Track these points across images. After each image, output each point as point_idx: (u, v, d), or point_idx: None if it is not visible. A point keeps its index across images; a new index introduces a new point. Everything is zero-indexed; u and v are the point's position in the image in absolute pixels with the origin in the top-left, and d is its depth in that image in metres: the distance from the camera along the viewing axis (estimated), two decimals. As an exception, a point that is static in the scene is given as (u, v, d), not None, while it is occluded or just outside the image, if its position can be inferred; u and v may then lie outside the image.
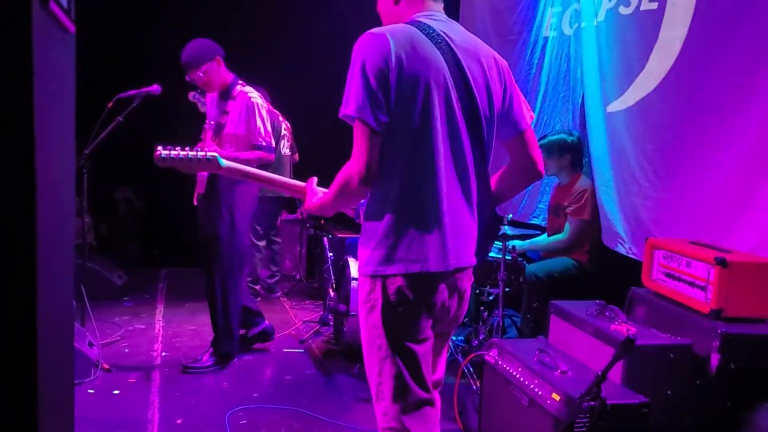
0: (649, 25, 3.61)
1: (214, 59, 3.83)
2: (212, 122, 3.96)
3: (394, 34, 1.79)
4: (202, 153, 2.27)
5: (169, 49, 3.94)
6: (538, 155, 2.06)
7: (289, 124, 5.55)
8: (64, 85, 1.25)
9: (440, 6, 1.99)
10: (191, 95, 4.05)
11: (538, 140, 4.28)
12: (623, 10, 3.83)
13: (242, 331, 4.25)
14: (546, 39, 4.89)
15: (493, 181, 2.04)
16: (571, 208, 4.17)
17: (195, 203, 4.04)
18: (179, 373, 3.91)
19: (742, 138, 3.04)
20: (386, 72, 1.75)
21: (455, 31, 1.91)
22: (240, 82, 3.98)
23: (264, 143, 3.87)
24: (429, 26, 1.86)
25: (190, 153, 2.29)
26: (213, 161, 2.26)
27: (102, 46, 5.73)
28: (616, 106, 3.89)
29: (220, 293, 3.94)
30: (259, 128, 3.85)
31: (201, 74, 3.81)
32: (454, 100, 1.84)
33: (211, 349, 4.01)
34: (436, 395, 2.05)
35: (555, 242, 4.26)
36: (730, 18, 3.11)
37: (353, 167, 1.82)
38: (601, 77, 4.04)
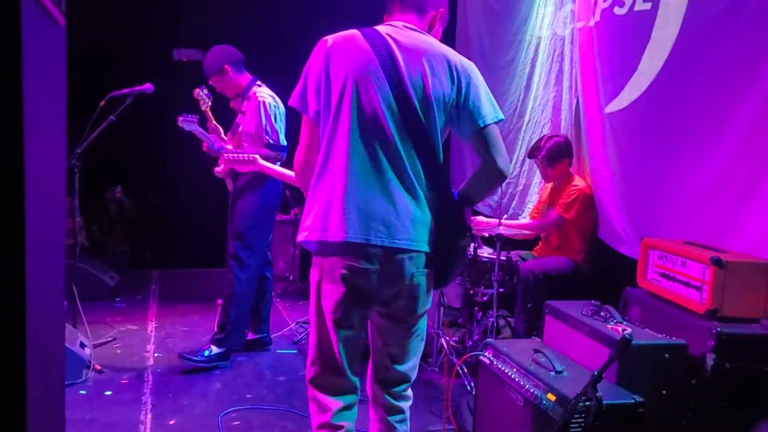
0: (642, 25, 3.61)
1: (220, 70, 4.02)
2: (233, 123, 4.18)
3: (336, 38, 2.06)
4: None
5: (163, 47, 3.92)
6: (499, 154, 2.07)
7: None
8: (55, 80, 1.23)
9: (408, 18, 2.14)
10: (196, 92, 4.09)
11: (533, 147, 4.32)
12: (618, 10, 3.84)
13: None
14: (539, 39, 4.89)
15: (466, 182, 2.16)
16: (559, 203, 4.18)
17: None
18: (172, 372, 3.89)
19: (734, 138, 3.04)
20: (319, 69, 2.03)
21: (405, 36, 2.06)
22: (257, 82, 4.14)
23: (271, 141, 3.98)
24: (374, 30, 2.06)
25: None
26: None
27: (95, 43, 5.70)
28: (613, 106, 3.89)
29: (237, 289, 4.01)
30: (265, 126, 3.97)
31: (212, 83, 4.07)
32: (379, 94, 1.98)
33: (210, 346, 4.00)
34: (370, 388, 2.22)
35: (527, 224, 4.34)
36: (720, 18, 3.11)
37: (297, 151, 2.17)
38: (599, 78, 4.04)
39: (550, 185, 4.40)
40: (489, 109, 2.07)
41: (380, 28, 2.09)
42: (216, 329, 4.06)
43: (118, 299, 5.46)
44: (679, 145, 3.38)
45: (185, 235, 6.49)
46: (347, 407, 2.14)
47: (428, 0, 2.17)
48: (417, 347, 2.21)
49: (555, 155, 4.19)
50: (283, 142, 4.03)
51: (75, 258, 4.09)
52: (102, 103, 3.80)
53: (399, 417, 2.21)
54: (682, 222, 3.33)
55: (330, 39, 2.06)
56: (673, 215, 3.43)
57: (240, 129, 4.08)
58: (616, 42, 3.86)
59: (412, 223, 2.00)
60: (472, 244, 4.13)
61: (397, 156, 2.00)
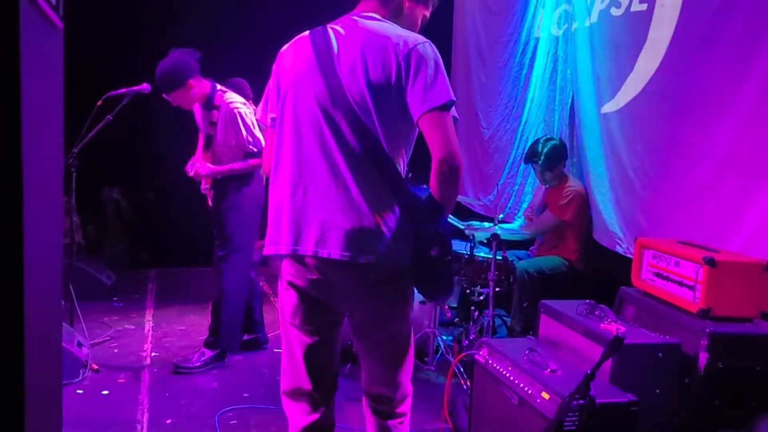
0: (638, 26, 3.63)
1: (184, 85, 3.75)
2: (201, 133, 3.98)
3: (287, 45, 2.07)
4: None
5: (160, 47, 3.92)
6: (439, 144, 1.84)
7: None
8: (53, 81, 1.24)
9: (369, 5, 2.02)
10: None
11: (530, 152, 4.32)
12: (615, 11, 3.85)
13: None
14: (537, 39, 4.90)
15: None
16: (555, 205, 4.19)
17: (210, 203, 4.10)
18: (169, 373, 3.90)
19: (726, 137, 3.06)
20: (273, 79, 2.06)
21: (352, 27, 1.95)
22: (219, 88, 3.94)
23: (255, 149, 3.88)
24: (322, 28, 2.00)
25: None
26: None
27: (92, 43, 5.70)
28: (609, 107, 3.91)
29: (229, 292, 3.99)
30: (247, 137, 3.86)
31: (172, 100, 3.80)
32: (316, 96, 1.91)
33: (203, 349, 4.00)
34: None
35: (523, 226, 4.34)
36: (713, 18, 3.13)
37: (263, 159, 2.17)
38: (595, 78, 4.06)
39: (546, 186, 4.42)
40: (431, 93, 1.85)
41: (333, 23, 2.00)
42: (208, 333, 4.05)
43: (114, 298, 5.47)
44: (674, 145, 3.39)
45: (182, 235, 6.48)
46: (315, 426, 2.08)
47: None
48: (391, 365, 2.10)
49: (553, 159, 4.21)
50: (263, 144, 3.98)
51: (72, 257, 4.09)
52: (99, 103, 3.81)
53: None
54: (677, 221, 3.35)
55: (286, 46, 2.08)
56: (668, 215, 3.44)
57: (216, 141, 3.89)
58: (612, 42, 3.88)
59: (352, 232, 1.87)
60: (469, 244, 4.15)
61: (339, 160, 1.88)
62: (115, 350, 4.27)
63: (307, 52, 1.97)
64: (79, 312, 4.08)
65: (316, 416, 2.07)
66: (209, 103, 3.87)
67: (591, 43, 4.11)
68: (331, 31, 1.97)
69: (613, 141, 3.88)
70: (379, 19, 1.98)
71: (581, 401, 2.11)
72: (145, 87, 3.91)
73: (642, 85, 3.60)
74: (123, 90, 3.88)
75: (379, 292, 1.97)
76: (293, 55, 2.02)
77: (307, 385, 2.06)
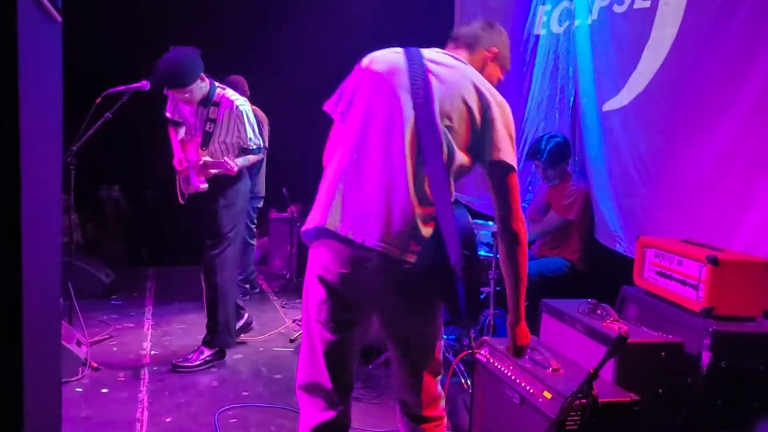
0: (641, 23, 3.61)
1: (194, 82, 3.74)
2: (195, 131, 3.92)
3: (376, 55, 2.10)
4: None
5: (160, 44, 3.90)
6: (504, 201, 2.02)
7: (264, 115, 5.50)
8: (51, 75, 1.23)
9: (459, 54, 2.16)
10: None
11: (531, 145, 4.32)
12: (617, 8, 3.83)
13: None
14: (537, 37, 4.88)
15: None
16: (559, 204, 4.17)
17: (182, 202, 4.06)
18: (168, 371, 3.88)
19: (730, 136, 3.05)
20: (354, 79, 2.09)
21: (446, 64, 2.06)
22: (218, 84, 3.94)
23: (255, 146, 3.93)
24: (417, 52, 2.07)
25: None
26: None
27: (92, 40, 5.68)
28: (611, 105, 3.89)
29: (224, 289, 3.98)
30: (249, 136, 3.90)
31: (186, 95, 3.77)
32: (401, 114, 1.97)
33: (202, 348, 3.99)
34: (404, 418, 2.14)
35: (531, 229, 4.28)
36: (718, 16, 3.11)
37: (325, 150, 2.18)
38: (596, 76, 4.04)
39: (549, 184, 4.40)
40: (502, 146, 2.00)
41: (426, 52, 2.08)
42: (206, 332, 4.03)
43: (114, 297, 5.45)
44: (677, 143, 3.38)
45: (181, 233, 6.47)
46: (331, 424, 2.07)
47: (478, 38, 2.22)
48: (419, 367, 2.10)
49: (556, 156, 4.19)
50: (261, 142, 4.02)
51: (70, 255, 4.07)
52: (98, 100, 3.78)
53: None
54: (678, 220, 3.34)
55: (367, 58, 2.11)
56: (669, 214, 3.43)
57: (217, 139, 3.88)
58: (614, 40, 3.86)
59: (392, 228, 1.92)
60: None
61: (400, 168, 1.95)
62: (115, 348, 4.26)
63: (400, 69, 2.02)
64: (78, 310, 4.07)
65: (332, 414, 2.07)
66: (207, 99, 3.85)
67: (592, 41, 4.09)
68: (426, 59, 2.05)
69: (614, 139, 3.86)
70: (468, 66, 2.10)
71: (584, 400, 2.10)
72: (144, 84, 3.88)
73: (645, 83, 3.58)
74: (122, 87, 3.86)
75: (409, 291, 1.98)
76: (386, 66, 2.04)
77: (326, 382, 2.05)
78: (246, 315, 4.49)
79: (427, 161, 1.94)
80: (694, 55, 3.25)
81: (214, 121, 3.86)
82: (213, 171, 3.86)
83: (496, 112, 2.00)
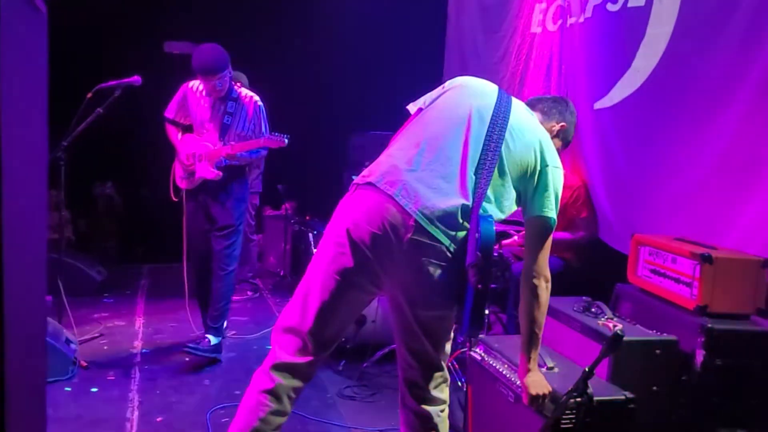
0: (636, 21, 3.60)
1: (229, 66, 3.94)
2: (211, 124, 4.03)
3: (471, 79, 2.31)
4: None
5: (153, 39, 3.87)
6: (536, 251, 2.14)
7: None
8: (35, 67, 1.20)
9: (533, 112, 2.35)
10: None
11: None
12: (611, 6, 3.82)
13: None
14: (534, 35, 4.87)
15: None
16: (574, 209, 4.11)
17: (174, 199, 4.14)
18: (160, 369, 3.86)
19: (726, 135, 3.04)
20: (446, 89, 2.27)
21: (524, 110, 2.25)
22: (233, 81, 4.11)
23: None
24: (507, 93, 2.26)
25: None
26: None
27: (83, 34, 5.64)
28: (602, 103, 3.89)
29: (233, 280, 4.14)
30: (265, 131, 4.08)
31: (219, 81, 3.91)
32: (481, 118, 2.12)
33: (208, 337, 4.03)
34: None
35: (561, 238, 4.18)
36: (715, 15, 3.10)
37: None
38: (588, 74, 4.03)
39: None
40: (550, 205, 2.13)
41: (515, 99, 2.25)
42: (210, 321, 4.08)
43: (105, 294, 5.41)
44: (672, 142, 3.37)
45: (174, 231, 6.43)
46: (296, 366, 2.10)
47: (553, 109, 2.44)
48: (434, 346, 2.15)
49: None
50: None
51: (61, 252, 4.04)
52: (89, 95, 3.75)
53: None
54: (672, 218, 3.33)
55: (465, 79, 2.30)
56: (661, 211, 3.42)
57: (234, 131, 4.02)
58: (608, 38, 3.85)
59: (435, 207, 1.98)
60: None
61: (464, 169, 2.05)
62: (105, 347, 4.22)
63: (490, 94, 2.19)
64: (68, 308, 4.03)
65: (301, 359, 2.09)
66: (227, 95, 4.01)
67: (585, 39, 4.08)
68: (512, 99, 2.23)
69: (605, 137, 3.86)
70: (541, 126, 2.29)
71: (579, 399, 2.08)
72: (136, 79, 3.86)
73: (640, 82, 3.57)
74: (114, 82, 3.82)
75: (433, 271, 1.99)
76: (476, 87, 2.24)
77: (306, 328, 2.07)
78: None
79: (480, 169, 2.05)
80: (691, 53, 3.24)
81: (231, 114, 4.02)
82: (231, 162, 3.99)
83: (553, 173, 2.15)
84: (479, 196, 2.02)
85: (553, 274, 3.94)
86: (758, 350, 2.59)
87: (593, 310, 2.78)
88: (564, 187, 4.03)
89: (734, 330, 2.58)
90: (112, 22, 5.99)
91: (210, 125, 4.03)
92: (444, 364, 2.18)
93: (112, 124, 4.08)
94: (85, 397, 3.44)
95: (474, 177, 2.04)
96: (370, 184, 2.05)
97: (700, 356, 2.55)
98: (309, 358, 2.09)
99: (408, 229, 1.96)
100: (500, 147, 2.08)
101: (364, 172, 2.13)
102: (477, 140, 2.08)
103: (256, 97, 4.09)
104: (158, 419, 3.23)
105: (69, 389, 3.51)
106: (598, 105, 3.92)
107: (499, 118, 2.12)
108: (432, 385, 2.16)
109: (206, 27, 6.04)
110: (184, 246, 4.18)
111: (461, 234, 1.99)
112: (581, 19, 4.12)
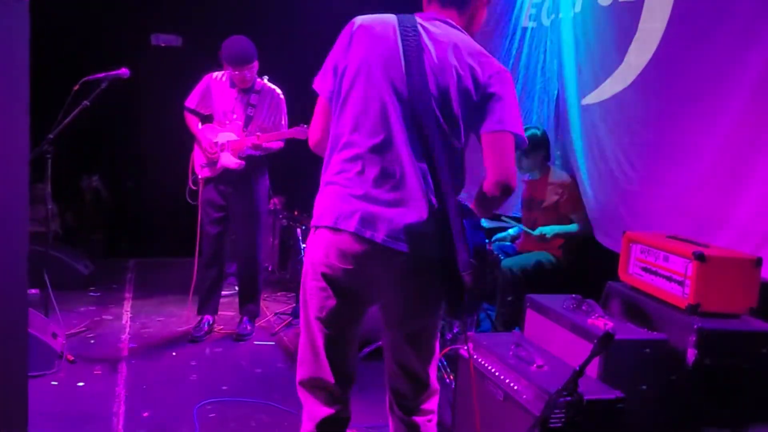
0: (627, 17, 3.58)
1: (257, 58, 4.11)
2: (234, 115, 4.20)
3: (365, 20, 2.00)
4: None
5: (140, 31, 3.83)
6: (500, 165, 1.94)
7: None
8: (14, 57, 1.16)
9: (448, 14, 2.05)
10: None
11: None
12: (602, 1, 3.80)
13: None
14: (525, 30, 4.85)
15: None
16: (567, 207, 4.10)
17: (193, 187, 4.29)
18: (147, 363, 3.83)
19: (720, 133, 3.02)
20: (340, 51, 2.00)
21: (439, 28, 1.99)
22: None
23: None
24: (410, 18, 1.99)
25: None
26: None
27: (70, 25, 5.57)
28: (591, 98, 3.87)
29: (262, 266, 4.48)
30: (284, 124, 4.29)
31: (249, 71, 4.09)
32: (393, 83, 1.91)
33: (246, 319, 4.42)
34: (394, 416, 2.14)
35: (572, 230, 4.16)
36: (710, 11, 3.08)
37: (310, 130, 2.13)
38: (578, 69, 4.01)
39: (526, 179, 4.36)
40: (508, 117, 1.95)
41: (422, 19, 2.00)
42: (249, 304, 4.44)
43: (92, 288, 5.36)
44: (664, 139, 3.36)
45: (162, 224, 6.38)
46: (334, 418, 2.06)
47: None
48: (419, 358, 2.10)
49: (530, 146, 4.15)
50: None
51: (48, 246, 3.99)
52: (76, 87, 3.69)
53: None
54: (664, 215, 3.32)
55: (358, 21, 2.01)
56: (652, 209, 3.41)
57: (256, 123, 4.23)
58: (598, 33, 3.83)
59: (398, 221, 1.88)
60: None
61: (404, 152, 1.91)
62: (92, 341, 4.18)
63: (394, 39, 1.94)
64: (54, 302, 3.98)
65: (335, 408, 2.06)
66: (251, 87, 4.20)
67: (575, 33, 4.06)
68: (420, 27, 1.96)
69: (595, 133, 3.84)
70: (462, 30, 2.03)
71: (568, 398, 2.06)
72: (123, 72, 3.81)
73: (632, 78, 3.55)
74: (101, 74, 3.78)
75: (412, 282, 1.95)
76: (373, 37, 1.96)
77: (329, 378, 2.03)
78: None
79: (428, 154, 1.90)
80: (685, 50, 3.22)
81: (255, 106, 4.21)
82: (253, 152, 4.20)
83: (503, 80, 1.96)
84: (443, 186, 1.90)
85: (545, 272, 4.01)
86: (749, 350, 2.58)
87: (584, 308, 2.77)
88: (556, 183, 4.11)
89: (726, 330, 2.56)
90: (100, 14, 5.92)
91: (233, 116, 4.20)
92: (432, 380, 2.13)
93: (99, 116, 4.03)
94: (71, 391, 3.41)
95: (426, 168, 1.91)
96: (327, 227, 1.94)
97: (690, 355, 2.54)
98: (342, 402, 2.07)
99: (381, 255, 1.89)
100: (433, 110, 1.90)
101: (317, 209, 2.00)
102: (412, 126, 1.91)
103: (279, 90, 4.27)
104: (145, 414, 3.19)
105: (55, 383, 3.47)
106: (586, 100, 3.90)
107: (415, 79, 1.89)
108: (421, 398, 2.13)
109: (194, 19, 5.99)
110: (198, 235, 4.34)
111: (437, 238, 1.89)
112: (571, 14, 4.10)
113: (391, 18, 1.99)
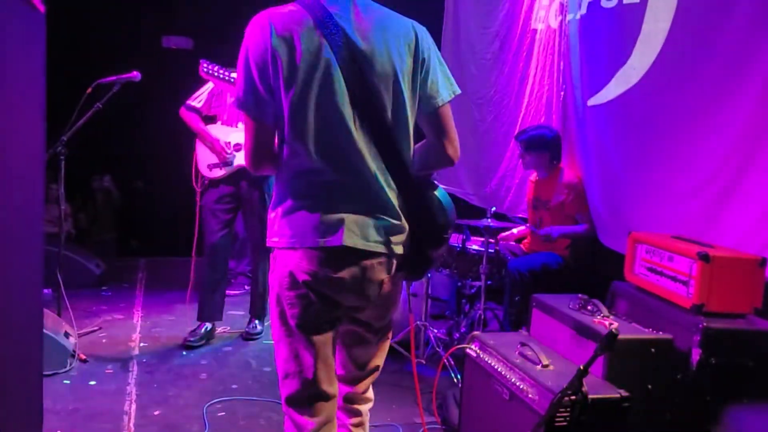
0: (631, 18, 3.58)
1: None
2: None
3: (274, 17, 1.81)
4: None
5: (152, 34, 3.88)
6: (450, 141, 1.93)
7: None
8: (32, 67, 1.20)
9: None
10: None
11: (518, 134, 4.31)
12: (605, 3, 3.80)
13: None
14: (534, 31, 4.86)
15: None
16: (573, 207, 4.11)
17: (197, 188, 4.27)
18: (158, 362, 3.88)
19: (726, 133, 3.02)
20: (266, 61, 1.78)
21: (357, 10, 1.85)
22: None
23: None
24: (321, 7, 1.81)
25: None
26: None
27: (82, 30, 5.63)
28: (596, 99, 3.87)
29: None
30: None
31: None
32: (334, 77, 1.78)
33: (254, 319, 4.46)
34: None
35: (576, 231, 4.17)
36: (714, 12, 3.09)
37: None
38: (582, 71, 4.02)
39: (534, 178, 4.37)
40: (445, 84, 1.91)
41: (329, 5, 1.83)
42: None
43: (104, 288, 5.42)
44: (669, 140, 3.36)
45: (173, 224, 6.43)
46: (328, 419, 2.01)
47: None
48: (381, 353, 2.12)
49: (534, 144, 4.16)
50: None
51: (60, 246, 4.04)
52: (89, 90, 3.76)
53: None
54: (668, 216, 3.33)
55: (268, 19, 1.83)
56: (656, 210, 3.41)
57: None
58: (602, 35, 3.83)
59: (372, 224, 1.84)
60: (461, 236, 4.12)
61: (364, 149, 1.82)
62: (104, 340, 4.24)
63: (314, 37, 1.78)
64: (67, 301, 4.03)
65: (327, 416, 2.00)
66: None
67: (580, 35, 4.06)
68: (332, 11, 1.81)
69: (599, 134, 3.84)
70: (381, 9, 1.92)
71: (573, 397, 2.09)
72: (135, 75, 3.87)
73: (636, 79, 3.56)
74: (113, 78, 3.84)
75: (387, 283, 1.93)
76: (294, 34, 1.78)
77: (326, 386, 1.96)
78: None
79: (379, 131, 1.82)
80: (690, 51, 3.22)
81: None
82: None
83: (432, 46, 1.91)
84: (400, 175, 1.85)
85: (552, 272, 4.02)
86: (754, 350, 2.58)
87: (589, 308, 2.78)
88: (563, 184, 4.12)
89: (730, 329, 2.56)
90: (112, 18, 5.98)
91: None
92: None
93: (111, 118, 4.08)
94: (83, 390, 3.46)
95: (384, 165, 1.84)
96: (303, 248, 1.84)
97: (695, 355, 2.55)
98: (333, 404, 2.01)
99: (353, 261, 1.84)
100: (374, 96, 1.81)
101: (286, 230, 1.86)
102: (365, 129, 1.82)
103: None
104: (155, 413, 3.24)
105: (68, 382, 3.53)
106: (591, 102, 3.91)
107: (355, 87, 1.79)
108: (369, 389, 2.15)
109: (205, 22, 6.04)
110: (195, 236, 4.36)
111: (400, 229, 1.87)
112: (577, 16, 4.11)
113: (303, 14, 1.81)
